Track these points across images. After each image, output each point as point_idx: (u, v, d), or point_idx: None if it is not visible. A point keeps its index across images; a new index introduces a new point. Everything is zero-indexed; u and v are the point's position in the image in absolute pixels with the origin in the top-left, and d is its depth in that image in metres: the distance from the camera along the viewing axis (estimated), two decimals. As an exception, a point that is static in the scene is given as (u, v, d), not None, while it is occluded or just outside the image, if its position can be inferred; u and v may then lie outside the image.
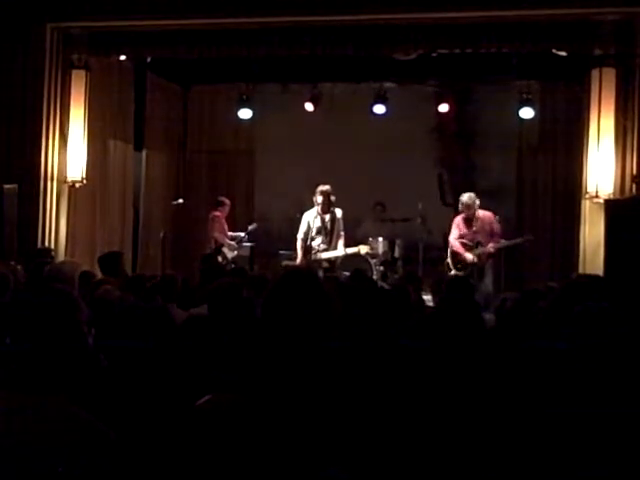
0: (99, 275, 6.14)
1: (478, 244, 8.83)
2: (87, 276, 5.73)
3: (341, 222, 9.07)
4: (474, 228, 8.84)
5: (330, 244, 9.03)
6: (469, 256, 8.80)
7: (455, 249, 8.95)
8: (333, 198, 8.96)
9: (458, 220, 9.05)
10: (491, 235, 8.90)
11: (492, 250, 8.78)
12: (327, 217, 9.00)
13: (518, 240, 9.10)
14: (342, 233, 9.10)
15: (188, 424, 1.60)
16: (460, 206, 8.95)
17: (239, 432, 1.57)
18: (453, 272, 8.79)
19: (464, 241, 8.91)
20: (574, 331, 2.98)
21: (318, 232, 9.02)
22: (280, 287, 2.37)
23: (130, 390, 2.97)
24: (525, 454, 2.56)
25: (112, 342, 3.25)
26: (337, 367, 2.32)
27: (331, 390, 2.22)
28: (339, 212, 9.03)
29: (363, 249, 9.09)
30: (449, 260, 9.01)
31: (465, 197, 8.90)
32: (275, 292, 2.37)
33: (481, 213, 8.93)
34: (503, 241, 8.94)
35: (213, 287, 4.29)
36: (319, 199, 8.91)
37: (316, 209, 8.99)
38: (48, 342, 2.06)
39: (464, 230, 8.93)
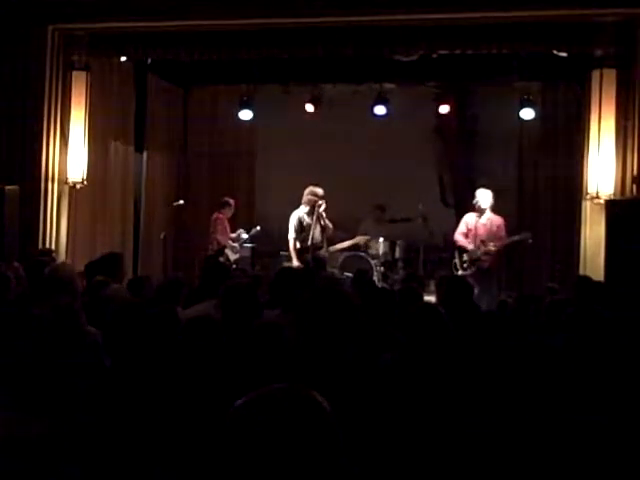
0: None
1: (481, 244, 8.80)
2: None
3: (324, 214, 9.02)
4: (482, 221, 8.85)
5: (324, 239, 9.07)
6: (470, 247, 8.81)
7: (460, 244, 8.92)
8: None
9: (467, 217, 9.01)
10: (496, 239, 8.85)
11: (493, 249, 8.70)
12: (315, 215, 8.95)
13: (516, 237, 8.95)
14: (330, 225, 9.07)
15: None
16: (475, 201, 8.94)
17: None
18: (460, 272, 8.73)
19: (468, 240, 8.90)
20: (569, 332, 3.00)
21: (312, 229, 9.00)
22: (315, 305, 2.38)
23: (134, 391, 2.98)
24: (522, 452, 2.57)
25: (118, 343, 3.25)
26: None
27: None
28: (322, 207, 8.97)
29: (362, 239, 9.15)
30: (456, 260, 8.96)
31: (479, 192, 8.98)
32: (310, 310, 2.38)
33: (492, 215, 8.90)
34: (506, 240, 8.91)
35: (228, 287, 4.11)
36: (311, 199, 8.92)
37: (305, 208, 8.99)
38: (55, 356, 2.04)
39: (470, 227, 8.90)
